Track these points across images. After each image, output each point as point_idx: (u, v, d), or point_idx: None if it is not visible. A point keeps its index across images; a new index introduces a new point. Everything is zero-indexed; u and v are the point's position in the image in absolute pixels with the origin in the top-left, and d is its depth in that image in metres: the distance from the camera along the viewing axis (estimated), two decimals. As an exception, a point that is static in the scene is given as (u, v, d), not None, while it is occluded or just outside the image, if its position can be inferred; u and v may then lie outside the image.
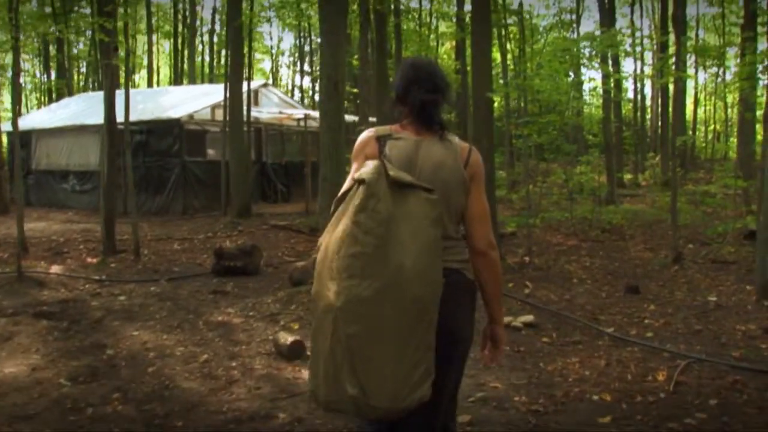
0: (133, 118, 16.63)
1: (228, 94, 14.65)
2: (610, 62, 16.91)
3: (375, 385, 2.13)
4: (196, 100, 17.31)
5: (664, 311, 6.70)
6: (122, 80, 24.25)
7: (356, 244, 2.14)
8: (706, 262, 9.37)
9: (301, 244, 11.40)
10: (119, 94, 13.82)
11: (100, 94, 21.81)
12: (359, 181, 2.23)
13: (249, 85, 15.76)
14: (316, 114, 19.30)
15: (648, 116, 28.77)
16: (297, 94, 40.28)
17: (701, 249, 10.50)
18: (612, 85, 16.57)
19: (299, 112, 18.04)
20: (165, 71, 41.28)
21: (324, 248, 2.27)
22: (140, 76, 41.83)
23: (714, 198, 16.58)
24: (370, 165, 2.27)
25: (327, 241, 2.26)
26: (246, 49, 16.79)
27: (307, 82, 41.46)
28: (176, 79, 32.00)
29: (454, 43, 28.96)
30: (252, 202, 16.68)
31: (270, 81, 32.49)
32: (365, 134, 2.55)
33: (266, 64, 45.26)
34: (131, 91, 23.80)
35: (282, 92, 22.45)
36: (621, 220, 13.13)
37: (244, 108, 15.20)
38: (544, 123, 11.89)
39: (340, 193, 2.34)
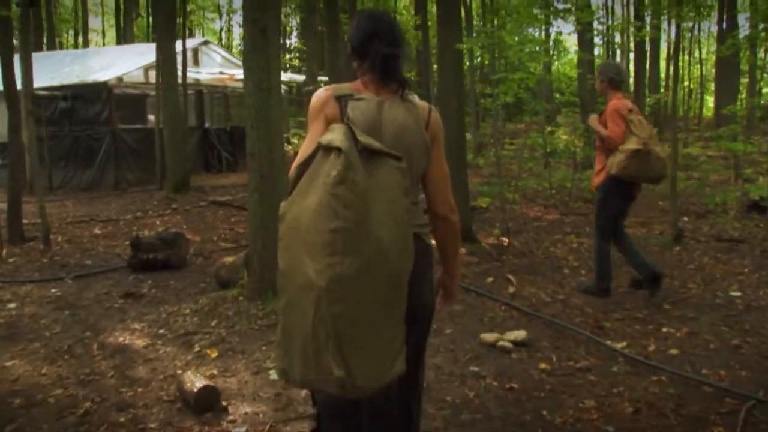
0: (56, 82, 14.82)
1: (158, 54, 12.82)
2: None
3: (361, 365, 2.06)
4: (129, 62, 15.44)
5: (683, 315, 5.37)
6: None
7: (336, 218, 2.01)
8: (710, 240, 8.11)
9: (242, 224, 9.85)
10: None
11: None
12: (331, 148, 2.08)
13: (184, 42, 13.91)
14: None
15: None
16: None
17: (700, 223, 9.24)
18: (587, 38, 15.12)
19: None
20: (113, 33, 38.62)
21: (293, 219, 2.12)
22: (90, 38, 39.19)
23: (696, 160, 15.43)
24: (339, 130, 2.14)
25: (296, 213, 2.11)
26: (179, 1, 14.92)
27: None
28: (121, 42, 29.55)
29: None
30: (194, 173, 15.03)
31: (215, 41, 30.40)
32: (322, 93, 2.40)
33: (219, 25, 43.03)
34: (59, 52, 21.85)
35: (226, 51, 20.50)
36: (604, 189, 11.78)
37: (179, 68, 13.39)
38: (516, 80, 10.44)
39: (301, 158, 2.20)
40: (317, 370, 2.07)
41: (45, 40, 26.42)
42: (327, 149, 2.10)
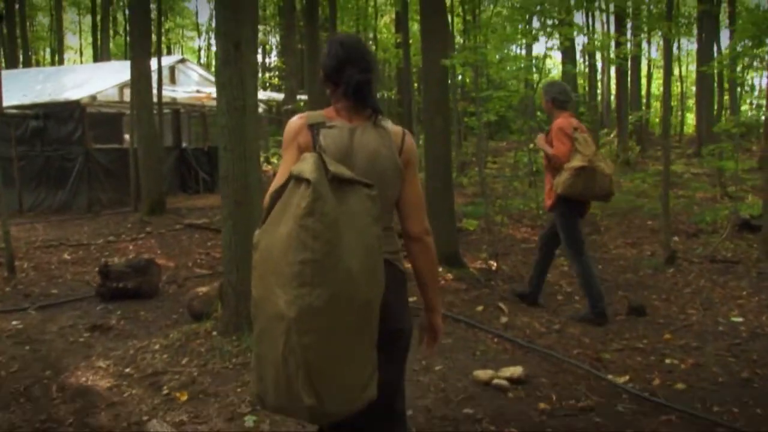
0: (27, 100, 14.36)
1: (133, 71, 12.41)
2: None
3: (331, 393, 2.08)
4: (103, 80, 14.99)
5: (686, 344, 5.07)
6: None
7: (305, 250, 2.04)
8: (704, 262, 7.84)
9: (219, 248, 9.41)
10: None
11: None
12: (300, 179, 2.10)
13: (160, 60, 13.51)
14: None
15: (599, 90, 27.44)
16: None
17: (690, 243, 8.99)
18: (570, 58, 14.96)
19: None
20: (91, 52, 37.97)
21: (265, 249, 2.15)
22: (68, 57, 38.51)
23: (681, 178, 15.25)
24: (309, 160, 2.14)
25: (268, 242, 2.14)
26: (155, 15, 14.54)
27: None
28: (98, 60, 28.99)
29: (393, 15, 27.12)
30: (170, 194, 14.61)
31: (194, 59, 29.93)
32: (295, 121, 2.42)
33: (198, 43, 42.67)
34: (32, 70, 21.34)
35: (204, 69, 20.10)
36: (592, 208, 11.49)
37: (155, 86, 12.98)
38: (502, 98, 10.22)
39: (274, 187, 2.21)
40: (288, 397, 2.10)
41: (21, 58, 25.93)
42: (298, 179, 2.11)
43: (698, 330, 5.40)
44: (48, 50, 35.00)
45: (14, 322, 6.25)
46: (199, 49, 38.39)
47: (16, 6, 26.12)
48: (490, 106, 13.56)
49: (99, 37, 29.13)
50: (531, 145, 15.64)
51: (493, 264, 7.75)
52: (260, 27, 32.25)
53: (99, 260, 9.03)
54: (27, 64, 25.56)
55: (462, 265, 7.58)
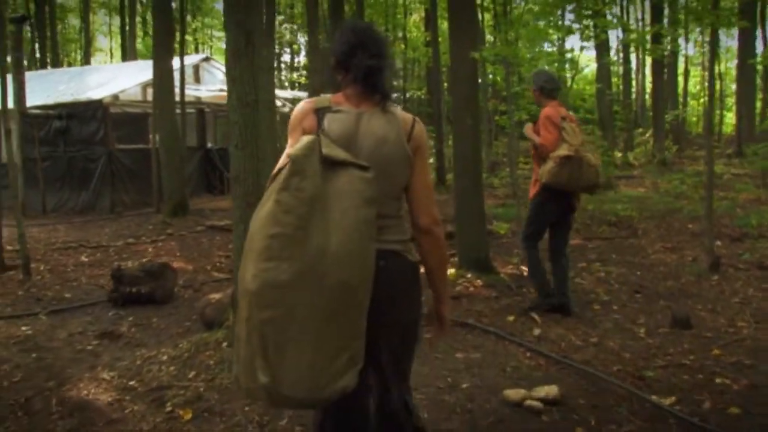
0: (51, 100, 14.25)
1: (155, 70, 12.18)
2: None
3: (288, 374, 2.02)
4: (127, 79, 14.82)
5: (739, 361, 4.62)
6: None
7: (276, 224, 2.04)
8: (751, 268, 7.34)
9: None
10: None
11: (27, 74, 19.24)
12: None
13: (182, 58, 13.27)
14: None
15: (633, 89, 26.70)
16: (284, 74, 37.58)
17: (735, 248, 8.47)
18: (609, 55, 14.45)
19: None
20: (120, 53, 38.08)
21: (250, 230, 2.15)
22: (99, 59, 38.69)
23: (721, 179, 14.63)
24: (303, 140, 2.17)
25: (253, 221, 2.15)
26: (178, 13, 14.32)
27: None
28: (125, 60, 28.97)
29: (423, 14, 26.71)
30: (195, 196, 14.40)
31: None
32: (303, 105, 2.39)
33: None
34: (57, 70, 21.32)
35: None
36: (629, 210, 11.01)
37: (176, 85, 12.73)
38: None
39: (275, 170, 2.22)
40: (250, 376, 2.06)
41: (48, 59, 26.01)
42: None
43: (751, 345, 4.94)
44: (80, 52, 35.18)
45: (24, 328, 6.02)
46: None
47: (46, 8, 26.22)
48: (522, 104, 13.13)
49: (127, 38, 29.18)
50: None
51: (525, 269, 7.34)
52: (287, 25, 32.10)
53: (117, 261, 8.83)
54: (56, 65, 25.61)
55: (492, 270, 7.19)
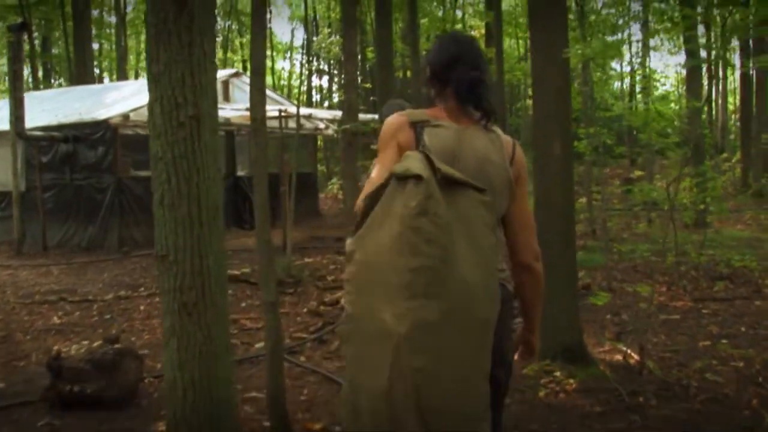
0: (55, 121, 12.58)
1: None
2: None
3: (441, 427, 1.84)
4: (144, 96, 13.05)
5: None
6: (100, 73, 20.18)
7: (418, 255, 1.82)
8: None
9: (258, 308, 7.17)
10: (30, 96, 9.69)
11: (34, 94, 17.72)
12: (406, 177, 1.89)
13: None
14: (305, 111, 14.99)
15: (714, 111, 23.90)
16: (315, 96, 36.03)
17: None
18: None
19: (277, 109, 13.27)
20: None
21: (364, 257, 1.90)
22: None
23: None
24: (416, 157, 1.95)
25: (368, 250, 1.89)
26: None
27: (324, 82, 37.51)
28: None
29: (483, 30, 24.67)
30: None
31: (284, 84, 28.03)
32: (396, 118, 2.20)
33: (285, 65, 41.55)
34: (76, 88, 19.63)
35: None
36: (748, 260, 8.62)
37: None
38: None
39: (372, 188, 1.99)
40: (392, 427, 1.84)
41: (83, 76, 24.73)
42: (402, 178, 1.91)
43: None
44: (114, 70, 34.29)
45: None
46: (272, 67, 36.41)
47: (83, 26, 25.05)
48: (599, 128, 11.05)
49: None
50: (636, 172, 12.89)
51: (633, 356, 5.15)
52: (326, 29, 30.33)
53: (93, 326, 6.96)
54: (91, 82, 24.33)
55: (587, 359, 5.04)
